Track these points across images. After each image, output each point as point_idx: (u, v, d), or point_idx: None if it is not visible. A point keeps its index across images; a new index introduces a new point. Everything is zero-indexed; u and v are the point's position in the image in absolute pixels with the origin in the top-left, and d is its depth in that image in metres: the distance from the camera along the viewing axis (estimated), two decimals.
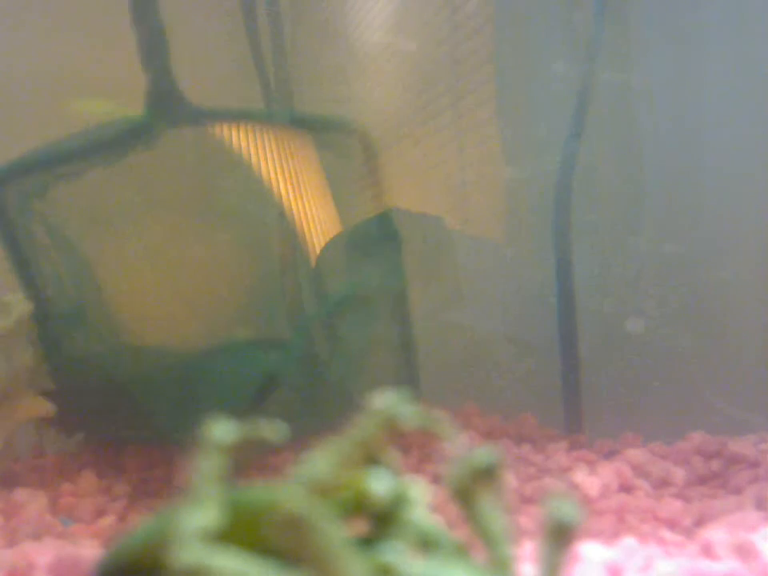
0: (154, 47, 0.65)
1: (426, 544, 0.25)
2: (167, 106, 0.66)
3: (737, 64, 0.80)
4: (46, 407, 0.65)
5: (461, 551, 0.25)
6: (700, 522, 0.51)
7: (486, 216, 0.89)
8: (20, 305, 0.65)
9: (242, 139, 0.72)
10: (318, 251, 0.75)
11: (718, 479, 0.61)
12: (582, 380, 0.79)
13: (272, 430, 0.25)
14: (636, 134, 0.84)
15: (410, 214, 0.80)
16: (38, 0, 0.82)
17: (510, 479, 0.59)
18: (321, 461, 0.24)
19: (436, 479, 0.57)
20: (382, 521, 0.25)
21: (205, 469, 0.24)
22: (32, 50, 0.80)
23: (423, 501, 0.25)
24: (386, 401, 0.24)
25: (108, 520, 0.58)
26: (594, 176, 0.84)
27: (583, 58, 0.79)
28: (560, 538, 0.23)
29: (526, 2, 0.87)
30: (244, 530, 0.24)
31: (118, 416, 0.68)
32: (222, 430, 0.24)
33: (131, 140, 0.67)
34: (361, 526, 0.25)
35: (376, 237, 0.73)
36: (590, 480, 0.56)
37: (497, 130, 0.88)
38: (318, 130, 0.74)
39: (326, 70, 0.88)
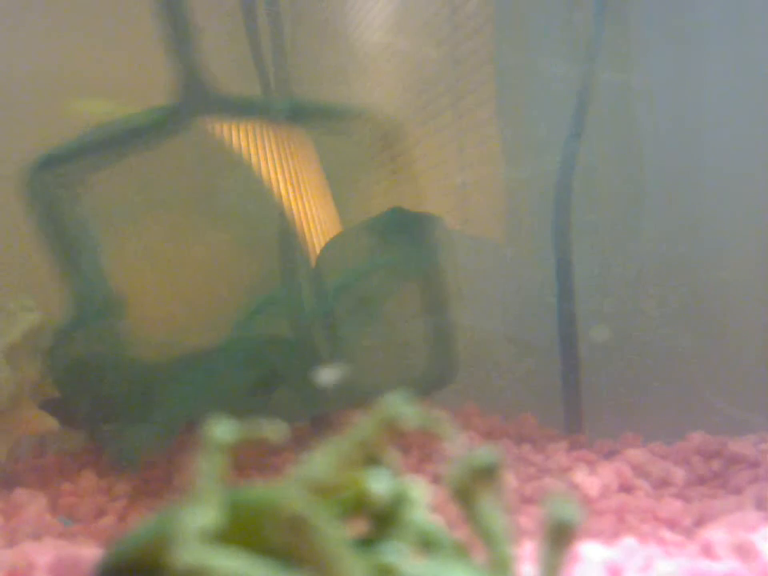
0: (181, 37, 0.66)
1: (426, 544, 0.25)
2: (196, 95, 0.68)
3: (737, 64, 0.80)
4: (49, 422, 0.65)
5: (461, 551, 0.25)
6: (700, 522, 0.51)
7: (486, 216, 0.89)
8: (26, 315, 0.65)
9: (258, 131, 0.73)
10: (333, 240, 0.76)
11: (718, 479, 0.61)
12: (582, 380, 0.79)
13: (273, 429, 0.25)
14: (636, 133, 0.84)
15: (411, 214, 0.80)
16: (38, 0, 0.82)
17: (510, 479, 0.59)
18: (321, 461, 0.24)
19: (436, 479, 0.57)
20: (382, 521, 0.25)
21: (205, 469, 0.24)
22: (32, 50, 0.80)
23: (423, 501, 0.25)
24: (387, 401, 0.24)
25: (108, 520, 0.58)
26: (594, 176, 0.84)
27: (583, 58, 0.79)
28: (560, 538, 0.24)
29: (526, 1, 0.87)
30: (244, 530, 0.24)
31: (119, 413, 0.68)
32: (222, 430, 0.24)
33: (163, 129, 0.68)
34: (361, 526, 0.25)
35: (395, 224, 0.74)
36: (590, 480, 0.56)
37: (497, 130, 0.88)
38: (332, 117, 0.75)
39: (326, 69, 0.88)
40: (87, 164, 0.68)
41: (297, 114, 0.75)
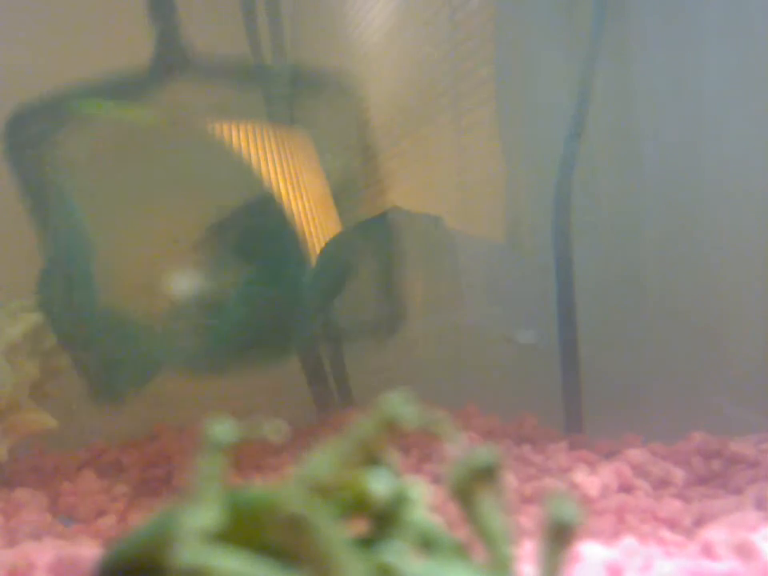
0: (161, 2, 0.67)
1: (426, 544, 0.25)
2: (172, 58, 0.68)
3: (737, 63, 0.80)
4: (50, 421, 0.65)
5: (461, 551, 0.25)
6: (700, 521, 0.51)
7: (486, 216, 0.89)
8: (26, 315, 0.65)
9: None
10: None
11: (718, 479, 0.61)
12: (582, 380, 0.79)
13: (272, 429, 0.25)
14: (636, 133, 0.84)
15: (410, 214, 0.80)
16: (38, 0, 0.82)
17: (510, 479, 0.59)
18: (321, 461, 0.24)
19: (436, 479, 0.57)
20: (381, 521, 0.25)
21: (205, 469, 0.24)
22: (32, 50, 0.80)
23: (423, 501, 0.25)
24: (387, 401, 0.24)
25: (108, 520, 0.58)
26: (595, 176, 0.84)
27: (583, 58, 0.79)
28: (560, 537, 0.24)
29: (526, 1, 0.87)
30: (244, 530, 0.24)
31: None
32: (221, 430, 0.24)
33: (137, 89, 0.68)
34: (361, 526, 0.25)
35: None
36: (590, 480, 0.56)
37: (497, 130, 0.88)
38: (321, 86, 0.76)
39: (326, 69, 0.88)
40: (62, 121, 0.69)
41: (285, 80, 0.75)
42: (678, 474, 0.60)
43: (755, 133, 0.80)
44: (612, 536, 0.47)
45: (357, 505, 0.24)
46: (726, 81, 0.81)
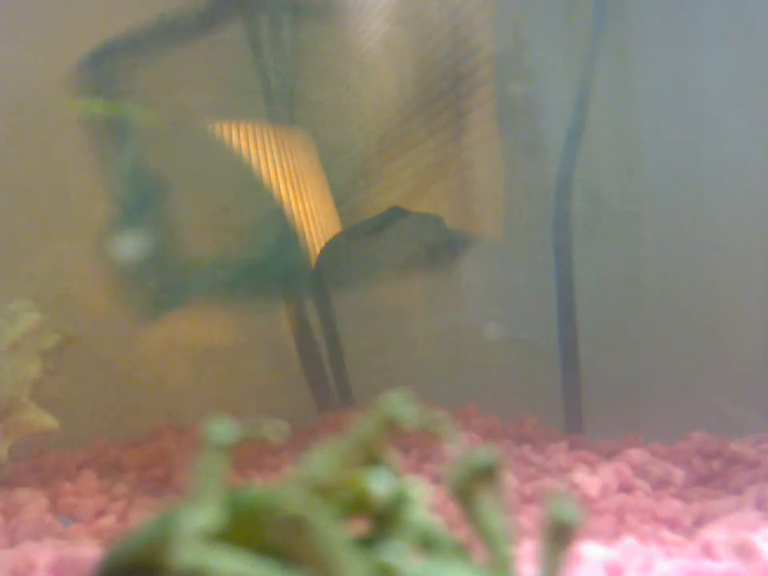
0: None
1: (426, 544, 0.25)
2: None
3: (737, 64, 0.80)
4: (50, 421, 0.65)
5: (461, 551, 0.25)
6: (700, 521, 0.51)
7: (486, 216, 0.89)
8: (26, 315, 0.65)
9: None
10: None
11: (718, 479, 0.61)
12: (582, 380, 0.79)
13: (272, 430, 0.25)
14: (636, 133, 0.84)
15: (410, 214, 0.80)
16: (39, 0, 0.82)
17: (510, 479, 0.59)
18: (321, 461, 0.24)
19: (436, 479, 0.57)
20: (381, 521, 0.25)
21: (205, 469, 0.24)
22: (32, 49, 0.80)
23: (423, 501, 0.25)
24: (387, 401, 0.24)
25: (108, 520, 0.58)
26: (595, 176, 0.84)
27: (583, 58, 0.79)
28: (560, 538, 0.24)
29: (526, 1, 0.87)
30: (244, 530, 0.24)
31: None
32: (222, 430, 0.24)
33: (205, 23, 0.69)
34: (361, 526, 0.25)
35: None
36: (590, 480, 0.56)
37: (497, 130, 0.88)
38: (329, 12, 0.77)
39: (328, 72, 0.88)
40: (133, 60, 0.69)
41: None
42: (678, 474, 0.60)
43: (755, 133, 0.80)
44: (612, 536, 0.47)
45: (357, 505, 0.24)
46: (726, 81, 0.81)
